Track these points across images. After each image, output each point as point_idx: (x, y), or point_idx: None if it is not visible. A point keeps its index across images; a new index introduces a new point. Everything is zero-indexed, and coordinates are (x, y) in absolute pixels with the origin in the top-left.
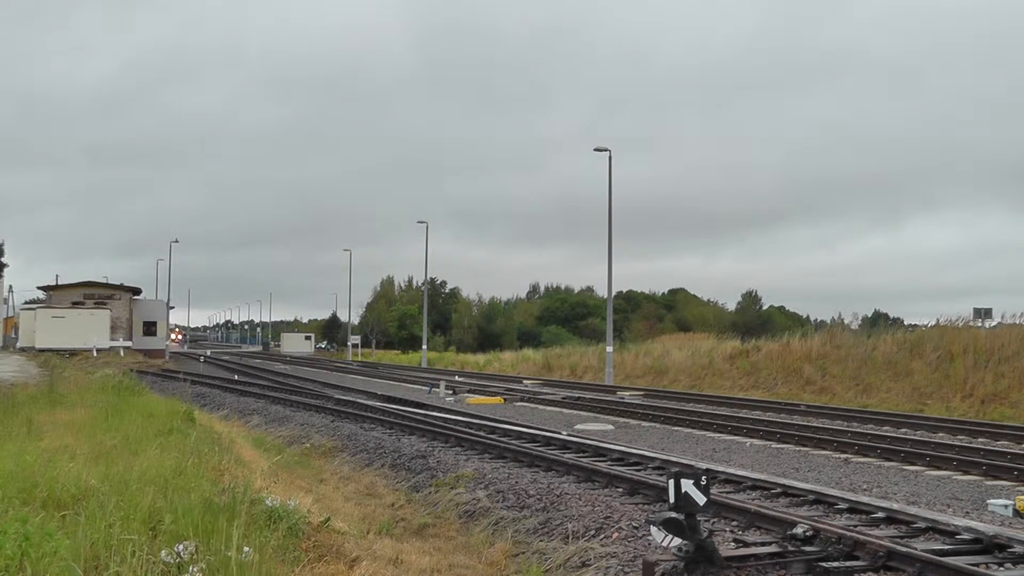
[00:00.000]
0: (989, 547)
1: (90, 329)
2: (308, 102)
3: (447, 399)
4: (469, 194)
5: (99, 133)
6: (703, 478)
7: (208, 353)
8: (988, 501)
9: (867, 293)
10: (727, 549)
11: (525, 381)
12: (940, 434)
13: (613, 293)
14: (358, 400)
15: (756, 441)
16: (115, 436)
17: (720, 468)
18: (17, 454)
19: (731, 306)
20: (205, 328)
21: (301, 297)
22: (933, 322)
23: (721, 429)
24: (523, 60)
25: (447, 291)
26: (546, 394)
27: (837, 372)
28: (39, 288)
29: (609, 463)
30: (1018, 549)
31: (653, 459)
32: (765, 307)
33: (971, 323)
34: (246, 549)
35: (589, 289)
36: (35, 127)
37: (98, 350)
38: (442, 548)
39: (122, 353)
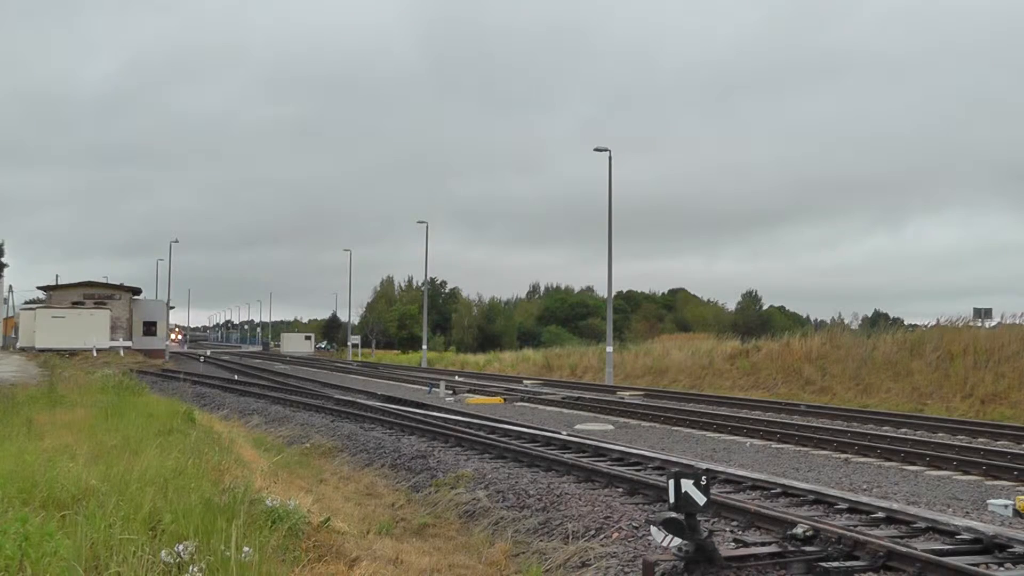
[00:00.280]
0: (989, 547)
1: (90, 329)
2: (309, 102)
3: (447, 399)
4: (469, 194)
5: (100, 133)
6: (703, 478)
7: (208, 353)
8: (988, 501)
9: (867, 293)
10: (727, 549)
11: (525, 381)
12: (940, 434)
13: (613, 293)
14: (358, 400)
15: (756, 441)
16: (115, 436)
17: (720, 468)
18: (17, 454)
19: (731, 306)
20: (205, 328)
21: (301, 297)
22: (933, 322)
23: (721, 429)
24: (524, 60)
25: (447, 291)
26: (546, 394)
27: (837, 372)
28: (39, 288)
29: (609, 463)
30: (1018, 549)
31: (653, 459)
32: (765, 307)
33: (971, 323)
34: (246, 549)
35: (589, 289)
36: (36, 127)
37: (98, 350)
38: (442, 548)
39: (122, 353)
